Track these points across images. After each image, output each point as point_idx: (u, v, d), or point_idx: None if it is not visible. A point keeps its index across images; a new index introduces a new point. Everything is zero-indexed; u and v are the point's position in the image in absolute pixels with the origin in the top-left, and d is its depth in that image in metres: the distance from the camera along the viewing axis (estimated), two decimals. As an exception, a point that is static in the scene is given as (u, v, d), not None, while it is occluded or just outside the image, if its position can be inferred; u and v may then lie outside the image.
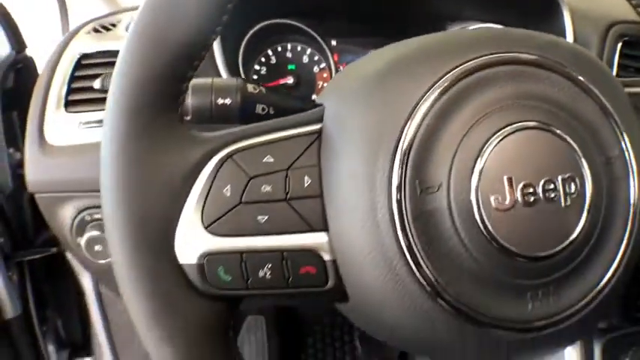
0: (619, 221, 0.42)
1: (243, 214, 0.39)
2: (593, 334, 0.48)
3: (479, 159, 0.38)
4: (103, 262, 0.66)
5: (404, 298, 0.38)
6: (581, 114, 0.42)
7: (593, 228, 0.40)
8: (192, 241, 0.39)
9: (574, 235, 0.39)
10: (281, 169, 0.40)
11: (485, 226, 0.37)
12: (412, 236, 0.37)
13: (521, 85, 0.41)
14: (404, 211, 0.37)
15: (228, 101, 0.54)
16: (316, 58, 0.80)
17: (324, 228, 0.40)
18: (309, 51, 0.80)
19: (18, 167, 0.82)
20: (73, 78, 0.70)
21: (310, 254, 0.40)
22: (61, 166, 0.66)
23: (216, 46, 0.68)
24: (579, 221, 0.39)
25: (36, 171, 0.67)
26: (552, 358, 0.50)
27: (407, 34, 0.45)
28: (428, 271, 0.38)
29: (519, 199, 0.38)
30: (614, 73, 0.72)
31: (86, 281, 0.86)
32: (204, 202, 0.39)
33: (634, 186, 0.42)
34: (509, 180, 0.38)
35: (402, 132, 0.38)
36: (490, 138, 0.38)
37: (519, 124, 0.39)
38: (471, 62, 0.40)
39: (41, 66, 0.75)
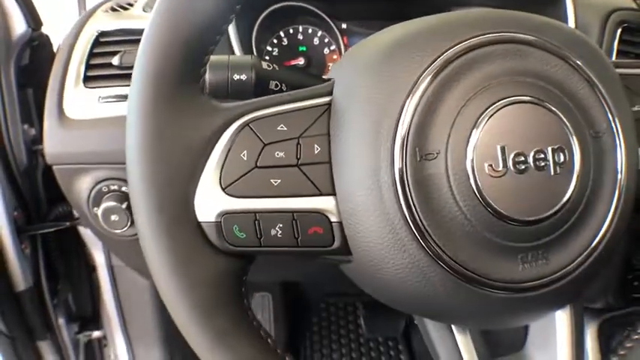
0: (606, 191, 0.45)
1: (257, 177, 0.42)
2: (581, 299, 0.50)
3: (474, 129, 0.41)
4: (118, 231, 0.68)
5: (403, 257, 0.41)
6: (573, 91, 0.45)
7: (581, 196, 0.43)
8: (211, 201, 0.41)
9: (562, 202, 0.42)
10: (293, 137, 0.43)
11: (480, 191, 0.40)
12: (412, 199, 0.40)
13: (516, 63, 0.43)
14: (405, 176, 0.40)
15: (243, 77, 0.57)
16: (327, 40, 0.82)
17: (332, 192, 0.42)
18: (319, 33, 0.82)
19: (32, 143, 0.85)
20: (91, 55, 0.71)
21: (318, 216, 0.43)
22: (79, 138, 0.68)
23: (231, 27, 0.70)
24: (568, 189, 0.42)
25: (55, 143, 0.69)
26: (543, 323, 0.52)
27: (414, 18, 0.47)
28: (426, 232, 0.41)
29: (511, 167, 0.40)
30: (614, 58, 0.74)
31: (98, 255, 0.88)
32: (223, 166, 0.42)
33: (621, 159, 0.45)
34: (502, 149, 0.40)
35: (404, 103, 0.41)
36: (486, 110, 0.41)
37: (513, 98, 0.42)
38: (470, 40, 0.43)
39: (57, 44, 0.77)
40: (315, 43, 0.82)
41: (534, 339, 0.55)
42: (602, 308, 0.83)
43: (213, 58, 0.58)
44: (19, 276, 0.82)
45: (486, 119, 0.41)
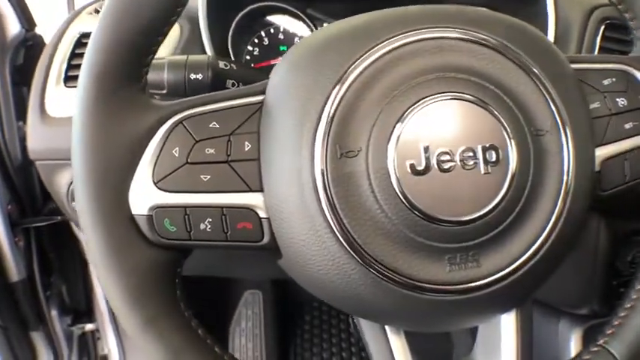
0: (549, 192, 0.43)
1: (188, 173, 0.43)
2: (523, 305, 0.49)
3: (397, 126, 0.40)
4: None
5: (326, 256, 0.41)
6: (511, 86, 0.43)
7: (517, 197, 0.42)
8: (144, 195, 0.42)
9: (494, 203, 0.41)
10: (224, 135, 0.43)
11: (401, 190, 0.40)
12: (332, 197, 0.40)
13: (445, 59, 0.43)
14: (325, 173, 0.40)
15: (200, 76, 0.58)
16: (307, 40, 0.82)
17: (261, 188, 0.43)
18: (300, 33, 0.82)
19: (26, 140, 0.88)
20: (73, 55, 0.74)
21: (247, 211, 0.43)
22: (59, 135, 0.69)
23: (203, 28, 0.71)
24: (500, 190, 0.41)
25: (36, 140, 0.71)
26: (490, 327, 0.50)
27: None
28: (346, 231, 0.40)
29: (435, 165, 0.40)
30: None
31: (89, 249, 0.90)
32: (156, 161, 0.42)
33: (568, 159, 0.43)
34: (426, 147, 0.40)
35: (326, 100, 0.41)
36: (409, 107, 0.40)
37: (440, 95, 0.41)
38: (394, 38, 0.42)
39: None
40: (295, 43, 0.82)
41: (481, 344, 0.54)
42: (588, 315, 0.81)
43: (171, 58, 0.60)
44: (13, 268, 0.85)
45: (410, 117, 0.40)
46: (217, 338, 0.46)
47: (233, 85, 0.57)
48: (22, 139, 0.87)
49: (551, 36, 0.75)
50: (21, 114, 0.86)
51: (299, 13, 0.79)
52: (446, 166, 0.40)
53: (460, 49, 0.43)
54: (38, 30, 0.89)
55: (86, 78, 0.41)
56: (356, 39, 0.43)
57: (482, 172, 0.40)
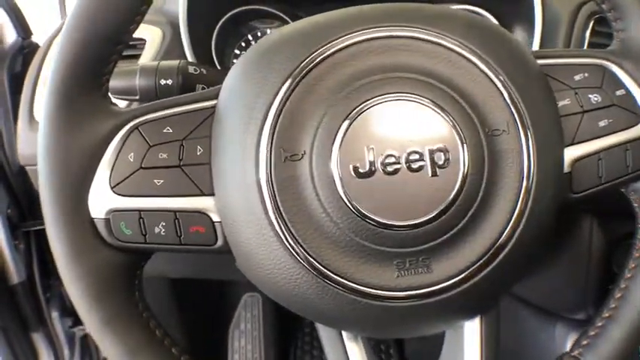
0: (507, 195, 0.42)
1: (142, 177, 0.43)
2: (486, 312, 0.47)
3: (341, 128, 0.39)
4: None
5: (273, 260, 0.41)
6: (462, 85, 0.42)
7: (470, 200, 0.40)
8: (101, 199, 0.43)
9: (443, 206, 0.40)
10: (177, 139, 0.44)
11: (345, 193, 0.39)
12: (277, 201, 0.40)
13: (393, 59, 0.42)
14: (269, 177, 0.40)
15: (170, 82, 0.59)
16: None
17: (212, 192, 0.43)
18: (287, 36, 0.82)
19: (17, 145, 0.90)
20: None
21: (199, 215, 0.43)
22: None
23: (184, 33, 0.72)
24: (450, 193, 0.40)
25: (25, 145, 0.73)
26: (453, 333, 0.49)
27: None
28: (292, 236, 0.40)
29: (380, 168, 0.39)
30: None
31: (87, 252, 0.91)
32: (113, 166, 0.43)
33: (527, 160, 0.42)
34: (371, 150, 0.39)
35: (271, 103, 0.41)
36: (354, 109, 0.40)
37: (386, 95, 0.40)
38: (343, 37, 0.42)
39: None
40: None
41: (447, 351, 0.52)
42: (584, 319, 0.78)
43: (143, 64, 0.60)
44: (13, 270, 0.87)
45: (354, 119, 0.40)
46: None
47: (203, 89, 0.57)
48: (21, 145, 0.89)
49: (538, 32, 0.73)
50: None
51: (285, 17, 0.78)
52: (391, 168, 0.39)
53: (410, 48, 0.42)
54: (34, 38, 0.90)
55: (50, 84, 0.42)
56: (303, 41, 0.43)
57: (430, 174, 0.39)
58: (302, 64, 0.41)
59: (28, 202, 0.90)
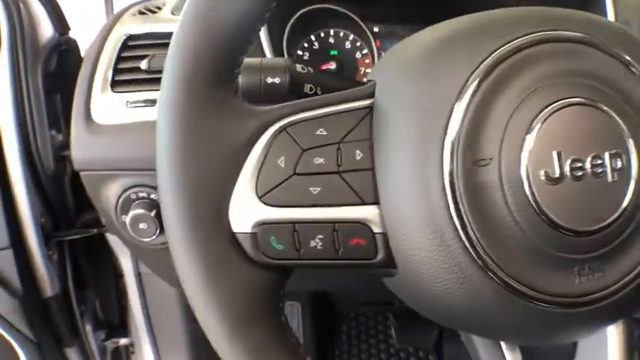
0: None
1: (296, 185, 0.40)
2: (635, 313, 0.47)
3: (528, 134, 0.38)
4: (147, 240, 0.66)
5: (454, 271, 0.39)
6: (627, 91, 0.42)
7: (638, 204, 0.40)
8: (246, 211, 0.39)
9: (620, 211, 0.39)
10: (333, 142, 0.41)
11: (535, 200, 0.38)
12: (463, 208, 0.38)
13: (569, 63, 0.41)
14: (455, 184, 0.38)
15: (277, 80, 0.55)
16: (358, 44, 0.80)
17: (375, 201, 0.40)
18: (351, 37, 0.80)
19: (60, 149, 0.84)
20: (119, 59, 0.70)
21: (360, 226, 0.40)
22: (107, 144, 0.66)
23: (263, 31, 0.68)
24: (625, 197, 0.39)
25: (82, 149, 0.68)
26: (593, 338, 0.49)
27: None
28: (478, 243, 0.38)
29: (568, 173, 0.38)
30: None
31: (126, 262, 0.87)
32: (259, 173, 0.40)
33: None
34: (559, 154, 0.38)
35: (452, 106, 0.39)
36: (539, 113, 0.38)
37: (567, 100, 0.39)
38: (519, 39, 0.40)
39: (84, 49, 0.76)
40: (346, 47, 0.80)
41: (583, 355, 0.52)
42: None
43: (245, 60, 0.56)
44: (47, 282, 0.81)
45: (540, 123, 0.38)
46: None
47: (311, 90, 0.54)
48: (55, 149, 0.83)
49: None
50: (53, 122, 0.83)
51: (354, 16, 0.76)
52: (578, 173, 0.38)
53: (580, 53, 0.41)
54: (72, 34, 0.85)
55: (171, 84, 0.38)
56: (476, 41, 0.41)
57: (610, 179, 0.39)
58: (488, 60, 0.39)
59: (62, 210, 0.84)
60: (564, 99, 0.39)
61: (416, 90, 0.40)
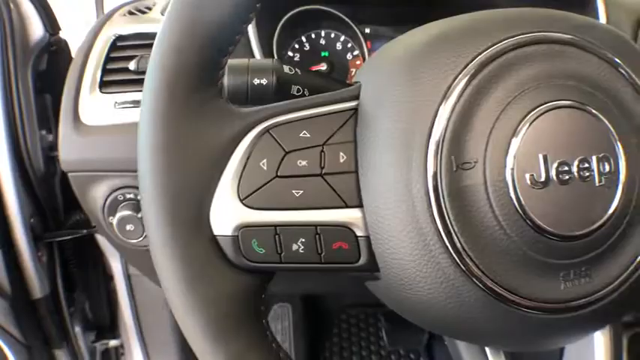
0: None
1: (278, 187, 0.40)
2: (623, 319, 0.47)
3: (514, 137, 0.38)
4: (134, 241, 0.66)
5: (437, 275, 0.38)
6: (616, 94, 0.41)
7: (626, 209, 0.40)
8: (228, 213, 0.39)
9: (607, 215, 0.39)
10: (317, 145, 0.40)
11: (520, 204, 0.37)
12: (447, 212, 0.38)
13: (557, 65, 0.40)
14: (439, 187, 0.38)
15: (264, 81, 0.55)
16: (349, 45, 0.79)
17: (359, 204, 0.40)
18: (342, 38, 0.79)
19: (50, 149, 0.84)
20: (107, 59, 0.70)
21: (343, 230, 0.40)
22: (95, 145, 0.66)
23: (252, 31, 0.68)
24: (612, 202, 0.39)
25: (70, 150, 0.67)
26: (580, 344, 0.49)
27: None
28: (462, 248, 0.38)
29: (554, 177, 0.38)
30: None
31: (115, 264, 0.86)
32: (241, 175, 0.39)
33: None
34: (545, 158, 0.38)
35: (438, 108, 0.38)
36: (526, 116, 0.38)
37: (555, 102, 0.39)
38: (506, 41, 0.40)
39: (75, 49, 0.76)
40: (337, 48, 0.80)
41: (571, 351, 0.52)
42: (632, 322, 0.79)
43: (232, 61, 0.56)
44: (36, 284, 0.81)
45: (527, 126, 0.38)
46: None
47: (298, 91, 0.54)
48: (45, 149, 0.83)
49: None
50: (43, 122, 0.82)
51: (345, 17, 0.76)
52: (564, 177, 0.38)
53: (569, 55, 0.41)
54: (62, 34, 0.84)
55: (154, 84, 0.38)
56: (463, 42, 0.40)
57: (597, 183, 0.39)
58: (475, 62, 0.39)
59: (52, 211, 0.84)
60: (551, 102, 0.39)
61: (400, 92, 0.40)
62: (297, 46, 0.79)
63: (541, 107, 0.38)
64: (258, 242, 0.39)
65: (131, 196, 0.67)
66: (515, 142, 0.38)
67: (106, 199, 0.68)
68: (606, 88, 0.41)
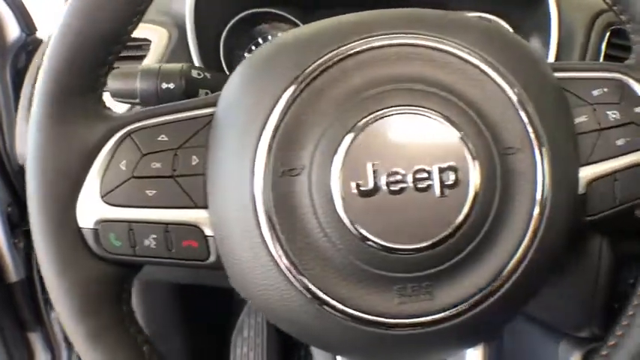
0: (517, 219, 0.39)
1: (133, 187, 0.41)
2: (489, 341, 0.45)
3: (343, 142, 0.37)
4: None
5: (266, 281, 0.39)
6: (478, 99, 0.39)
7: (479, 223, 0.38)
8: (90, 208, 0.41)
9: (450, 230, 0.37)
10: (172, 148, 0.42)
11: (345, 213, 0.37)
12: (272, 219, 0.38)
13: (404, 68, 0.39)
14: (266, 191, 0.38)
15: (172, 86, 0.57)
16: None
17: (206, 205, 0.41)
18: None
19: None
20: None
21: (192, 229, 0.42)
22: None
23: (190, 35, 0.70)
24: (458, 214, 0.37)
25: (24, 144, 0.71)
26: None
27: None
28: (287, 257, 0.38)
29: (384, 187, 0.36)
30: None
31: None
32: (104, 174, 0.41)
33: (542, 180, 0.39)
34: (374, 166, 0.37)
35: (269, 112, 0.39)
36: (360, 121, 0.37)
37: (394, 108, 0.37)
38: (352, 44, 0.39)
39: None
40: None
41: None
42: (589, 337, 0.77)
43: (144, 66, 0.59)
44: (11, 268, 0.86)
45: (359, 132, 0.37)
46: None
47: (206, 94, 0.56)
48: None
49: (554, 42, 0.72)
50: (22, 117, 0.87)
51: (297, 21, 0.76)
52: (396, 187, 0.36)
53: (423, 58, 0.40)
54: (39, 34, 0.89)
55: (41, 84, 0.41)
56: (309, 46, 0.40)
57: (438, 194, 0.37)
58: (307, 70, 0.39)
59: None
60: (389, 107, 0.38)
61: (241, 97, 0.41)
62: (253, 47, 0.80)
63: (376, 113, 0.37)
64: (115, 236, 0.42)
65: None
66: (342, 149, 0.37)
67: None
68: (465, 93, 0.39)
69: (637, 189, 0.44)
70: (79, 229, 0.41)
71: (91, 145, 0.41)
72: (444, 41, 0.40)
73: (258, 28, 0.80)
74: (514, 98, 0.39)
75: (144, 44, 0.71)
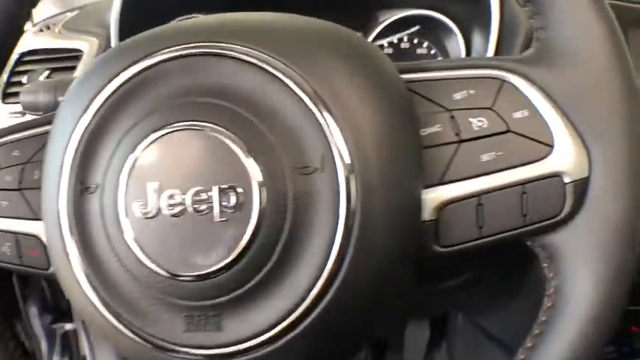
0: (315, 249, 0.35)
1: None
2: None
3: (128, 161, 0.37)
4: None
5: (75, 298, 0.41)
6: (270, 111, 0.36)
7: (267, 251, 0.36)
8: None
9: (232, 256, 0.35)
10: (21, 163, 0.45)
11: (131, 234, 0.37)
12: (72, 237, 0.39)
13: (194, 80, 0.38)
14: (67, 210, 0.39)
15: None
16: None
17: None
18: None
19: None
20: (12, 73, 0.78)
21: (34, 239, 0.44)
22: None
23: (114, 42, 0.72)
24: (240, 240, 0.35)
25: None
26: None
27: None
28: (86, 276, 0.39)
29: (165, 209, 0.36)
30: None
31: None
32: None
33: (346, 205, 0.35)
34: (156, 187, 0.36)
35: (73, 130, 0.40)
36: (142, 140, 0.37)
37: (176, 124, 0.37)
38: (139, 63, 0.39)
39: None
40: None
41: None
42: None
43: (44, 80, 0.61)
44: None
45: (141, 151, 0.37)
46: None
47: None
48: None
49: (494, 36, 0.69)
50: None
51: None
52: (175, 210, 0.36)
53: (211, 68, 0.38)
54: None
55: None
56: (110, 62, 0.41)
57: (217, 218, 0.35)
58: (108, 86, 0.39)
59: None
60: (171, 124, 0.37)
61: (60, 111, 0.43)
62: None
63: (160, 131, 0.37)
64: None
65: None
66: (127, 169, 0.37)
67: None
68: (255, 105, 0.36)
69: (512, 217, 0.37)
70: None
71: None
72: (240, 48, 0.37)
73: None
74: (314, 109, 0.36)
75: (79, 55, 0.74)
